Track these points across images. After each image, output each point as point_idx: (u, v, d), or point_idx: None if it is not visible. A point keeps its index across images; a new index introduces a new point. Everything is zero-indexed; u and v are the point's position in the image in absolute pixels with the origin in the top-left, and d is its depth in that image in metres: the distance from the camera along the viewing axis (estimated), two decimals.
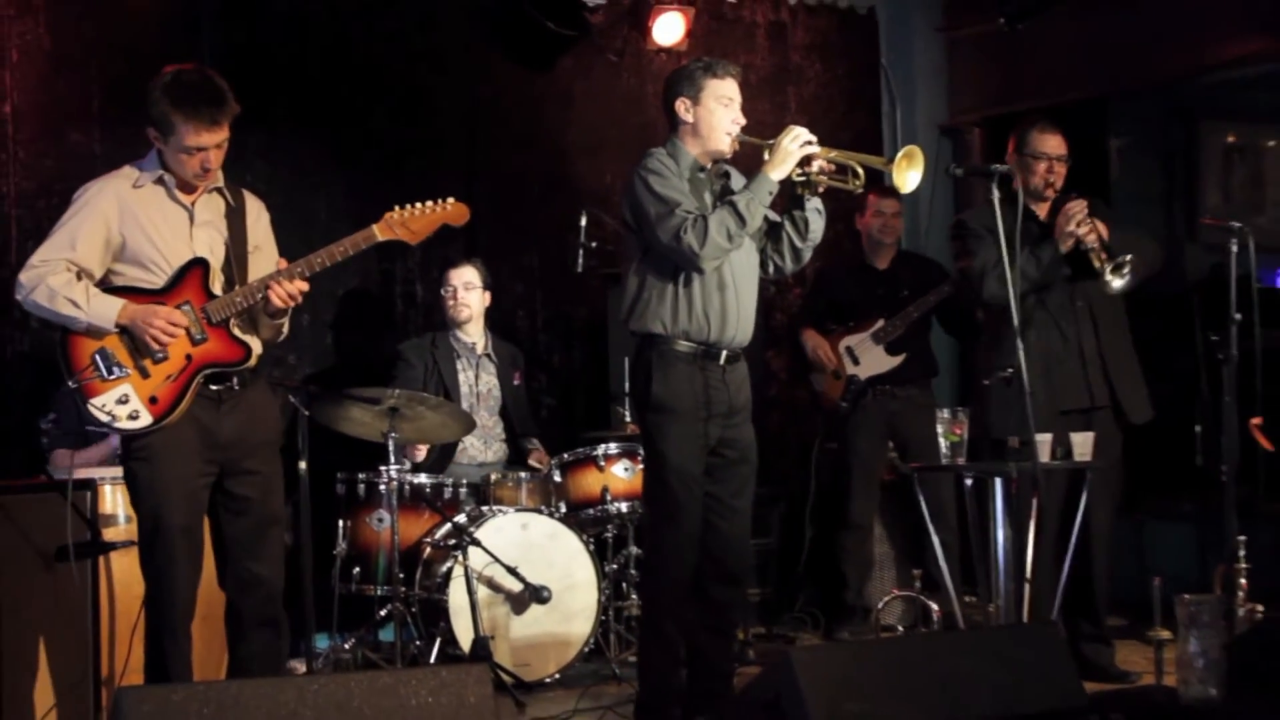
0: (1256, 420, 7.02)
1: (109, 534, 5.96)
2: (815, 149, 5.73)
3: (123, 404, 5.16)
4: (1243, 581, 6.25)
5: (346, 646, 7.17)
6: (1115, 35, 9.25)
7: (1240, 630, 5.94)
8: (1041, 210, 6.97)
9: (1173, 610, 5.24)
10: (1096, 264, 6.72)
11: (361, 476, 7.36)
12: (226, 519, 5.38)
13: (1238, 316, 6.54)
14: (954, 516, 7.67)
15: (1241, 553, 6.31)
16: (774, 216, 5.92)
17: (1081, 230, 6.73)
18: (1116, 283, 6.70)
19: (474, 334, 7.87)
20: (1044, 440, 6.37)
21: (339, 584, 7.23)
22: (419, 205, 5.51)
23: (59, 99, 7.74)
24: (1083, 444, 6.57)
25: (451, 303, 7.80)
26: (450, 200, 5.57)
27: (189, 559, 5.25)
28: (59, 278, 5.15)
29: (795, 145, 5.69)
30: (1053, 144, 7.04)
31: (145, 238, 5.27)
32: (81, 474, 5.98)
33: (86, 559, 5.85)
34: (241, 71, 5.36)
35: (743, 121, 5.88)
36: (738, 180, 5.91)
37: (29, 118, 7.65)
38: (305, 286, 5.33)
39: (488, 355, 7.90)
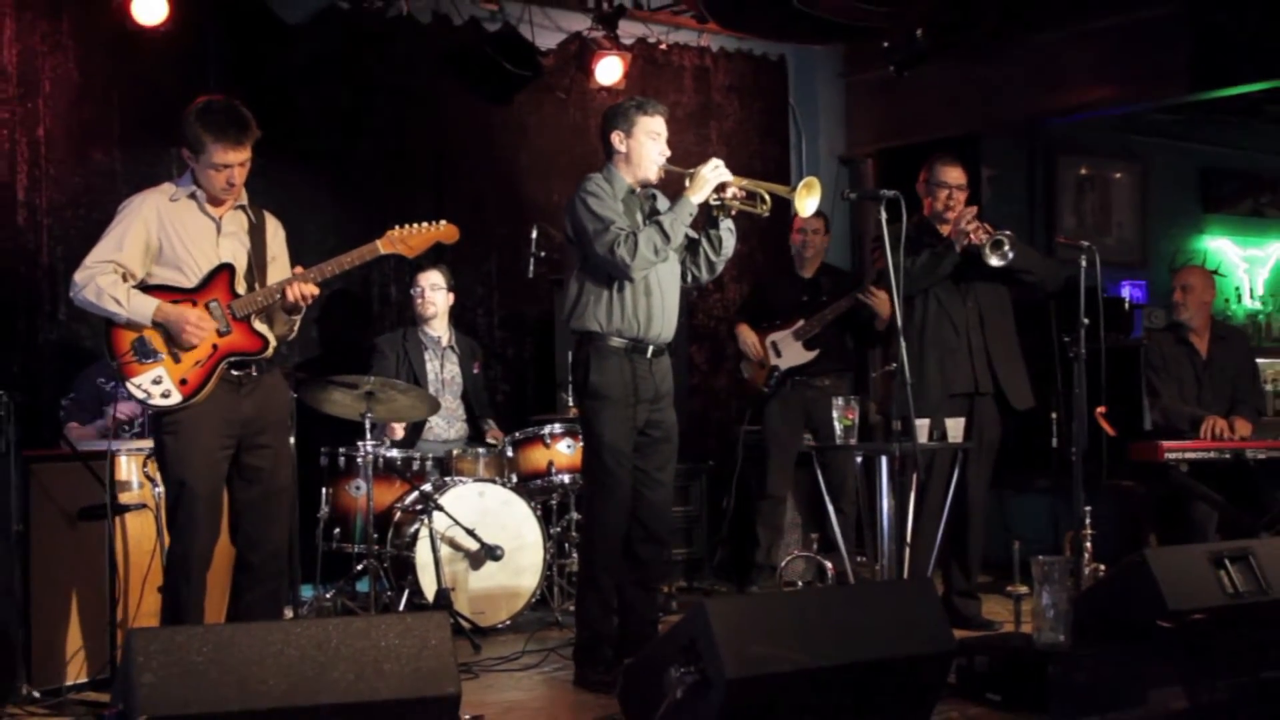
0: (1101, 409, 7.07)
1: (124, 498, 5.93)
2: (729, 177, 5.77)
3: (157, 384, 5.18)
4: (1088, 545, 6.29)
5: (328, 596, 7.14)
6: (987, 83, 9.35)
7: (1085, 586, 5.99)
8: (945, 230, 7.01)
9: (1030, 569, 5.28)
10: (980, 242, 6.76)
11: (342, 450, 7.33)
12: (241, 486, 5.38)
13: (1086, 321, 6.59)
14: (854, 490, 7.73)
15: (1087, 521, 6.35)
16: (693, 234, 5.94)
17: (971, 228, 6.79)
18: (995, 259, 6.77)
19: (439, 329, 7.86)
20: (923, 424, 6.42)
21: (322, 542, 7.21)
22: (417, 225, 5.52)
23: (85, 123, 7.68)
24: (954, 428, 6.63)
25: (420, 301, 7.79)
26: (443, 222, 5.58)
27: (208, 520, 5.26)
28: (106, 278, 5.19)
29: (713, 174, 5.73)
30: (952, 175, 7.11)
31: (179, 243, 5.30)
32: (98, 446, 5.98)
33: (105, 519, 5.83)
34: (242, 103, 5.36)
35: (668, 153, 5.91)
36: (663, 203, 5.93)
37: (59, 140, 7.59)
38: (316, 290, 5.36)
39: (451, 347, 7.89)
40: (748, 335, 8.15)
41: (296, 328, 5.59)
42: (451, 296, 7.88)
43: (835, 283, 8.37)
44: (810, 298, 8.17)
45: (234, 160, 5.26)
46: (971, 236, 6.80)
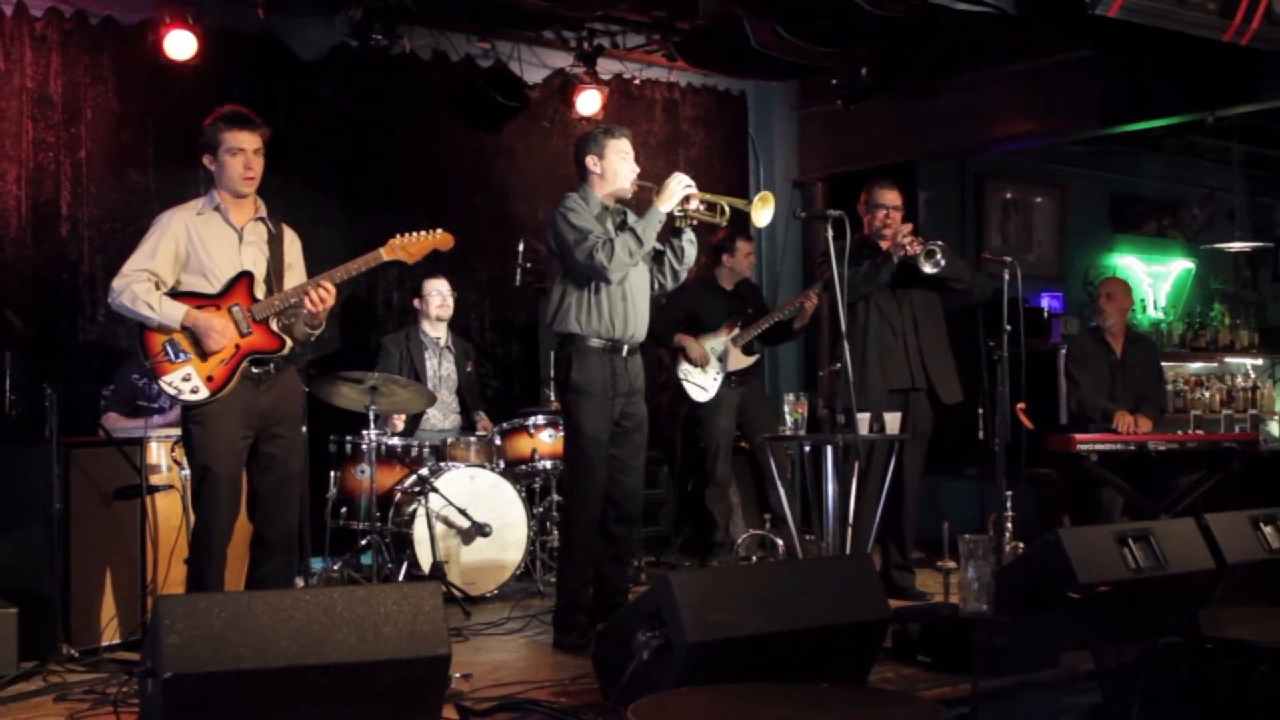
0: (1021, 405, 7.11)
1: (154, 479, 5.93)
2: (694, 190, 5.77)
3: (186, 381, 5.16)
4: (1009, 525, 6.32)
5: (335, 568, 7.13)
6: (923, 116, 9.38)
7: (1006, 562, 6.01)
8: (884, 245, 7.00)
9: (958, 546, 5.30)
10: (914, 253, 6.78)
11: (349, 438, 7.33)
12: (258, 472, 5.34)
13: (1009, 328, 6.62)
14: (791, 475, 7.75)
15: (1008, 504, 6.38)
16: (659, 246, 5.94)
17: (907, 240, 6.80)
18: (929, 267, 6.78)
19: (440, 331, 7.85)
20: (864, 417, 6.43)
21: (330, 520, 7.21)
22: (416, 233, 5.49)
23: (122, 147, 7.66)
24: (892, 421, 6.63)
25: (438, 302, 7.79)
26: (439, 230, 5.56)
27: (229, 501, 5.24)
28: (141, 285, 5.18)
29: (679, 186, 5.74)
30: (889, 197, 7.11)
31: (205, 253, 5.28)
32: (134, 433, 5.99)
33: (138, 498, 5.85)
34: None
35: (638, 169, 5.93)
36: (632, 218, 5.92)
37: (99, 161, 7.58)
38: (333, 291, 5.31)
39: (448, 347, 7.88)
40: (694, 345, 8.08)
41: (315, 336, 5.56)
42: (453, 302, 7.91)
43: (755, 295, 8.49)
44: (735, 308, 8.19)
45: (247, 144, 5.28)
46: (908, 248, 6.81)
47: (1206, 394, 11.00)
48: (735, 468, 8.38)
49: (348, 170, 8.40)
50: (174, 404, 5.36)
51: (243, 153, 5.27)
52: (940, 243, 6.82)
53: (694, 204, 5.80)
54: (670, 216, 5.79)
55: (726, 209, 5.86)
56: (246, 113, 5.38)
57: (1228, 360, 12.09)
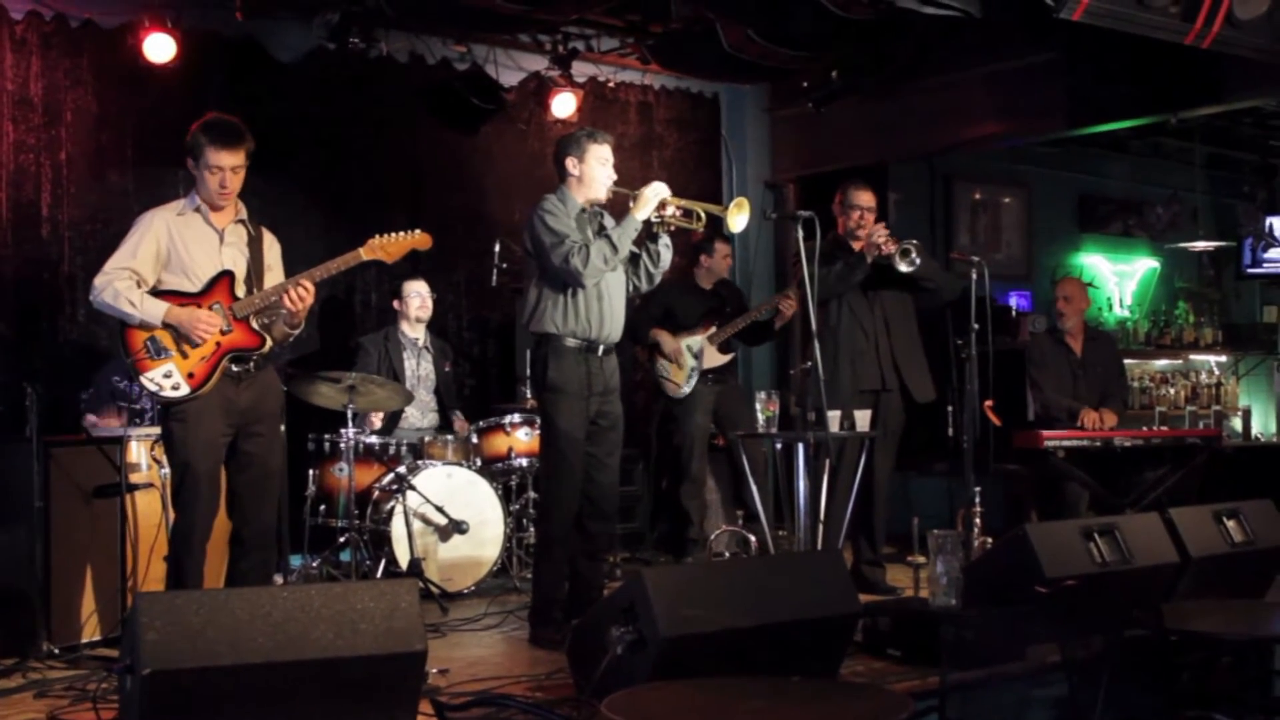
0: (989, 402, 7.12)
1: (134, 478, 5.90)
2: (669, 196, 5.76)
3: (168, 378, 5.14)
4: (977, 521, 6.33)
5: (314, 565, 7.10)
6: (893, 119, 9.39)
7: (974, 556, 6.02)
8: (857, 246, 7.00)
9: (927, 541, 5.30)
10: (890, 252, 6.78)
11: (327, 436, 7.30)
12: (237, 469, 5.33)
13: (976, 326, 6.63)
14: (764, 471, 7.75)
15: (977, 499, 6.39)
16: (635, 249, 5.92)
17: (881, 240, 6.80)
18: (904, 266, 6.79)
19: (418, 331, 7.84)
20: (835, 415, 6.43)
21: (309, 517, 7.19)
22: (394, 234, 5.47)
23: (101, 148, 7.64)
24: (863, 419, 6.64)
25: (418, 304, 7.78)
26: (418, 230, 5.54)
27: (209, 498, 5.22)
28: (123, 283, 5.16)
29: (654, 194, 5.72)
30: (863, 198, 7.11)
31: (186, 252, 5.26)
32: (114, 432, 5.96)
33: (117, 496, 5.82)
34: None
35: (615, 176, 5.90)
36: (609, 221, 5.91)
37: (79, 163, 7.55)
38: (312, 289, 5.28)
39: (426, 347, 7.86)
40: (670, 341, 8.09)
41: (294, 335, 5.53)
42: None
43: (733, 294, 8.49)
44: (712, 306, 8.20)
45: (226, 163, 5.23)
46: (883, 247, 6.82)
47: (1171, 390, 11.05)
48: (713, 465, 8.39)
49: (326, 172, 8.38)
50: (155, 405, 5.32)
51: (221, 172, 5.24)
52: (915, 241, 6.84)
53: (670, 210, 5.79)
54: (647, 222, 5.78)
55: (702, 215, 5.85)
56: (232, 124, 5.31)
57: (1192, 357, 12.15)
